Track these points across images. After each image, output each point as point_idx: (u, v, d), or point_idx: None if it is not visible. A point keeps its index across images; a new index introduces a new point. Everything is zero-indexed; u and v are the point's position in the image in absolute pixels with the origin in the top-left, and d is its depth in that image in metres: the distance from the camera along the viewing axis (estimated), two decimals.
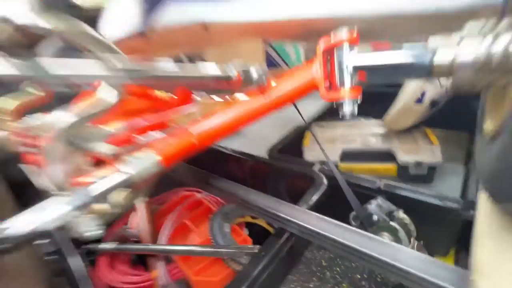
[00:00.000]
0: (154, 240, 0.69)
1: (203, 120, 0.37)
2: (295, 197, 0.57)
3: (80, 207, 0.26)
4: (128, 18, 0.51)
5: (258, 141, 0.90)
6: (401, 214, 0.43)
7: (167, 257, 0.65)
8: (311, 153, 0.78)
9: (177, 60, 0.69)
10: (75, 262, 0.53)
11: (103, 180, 0.27)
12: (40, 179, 0.31)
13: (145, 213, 0.72)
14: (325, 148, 0.67)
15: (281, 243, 0.47)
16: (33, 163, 0.37)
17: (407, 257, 0.35)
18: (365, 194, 0.54)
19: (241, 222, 0.73)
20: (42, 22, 0.23)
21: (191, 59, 0.68)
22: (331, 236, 0.40)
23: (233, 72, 0.32)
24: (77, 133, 0.29)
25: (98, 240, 0.73)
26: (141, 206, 0.70)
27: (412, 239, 0.41)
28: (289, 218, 0.46)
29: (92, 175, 0.28)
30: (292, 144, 0.81)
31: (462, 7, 0.31)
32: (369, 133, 0.82)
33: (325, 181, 0.59)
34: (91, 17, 0.54)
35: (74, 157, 0.29)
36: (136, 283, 0.67)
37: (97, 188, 0.26)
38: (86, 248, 0.70)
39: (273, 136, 0.87)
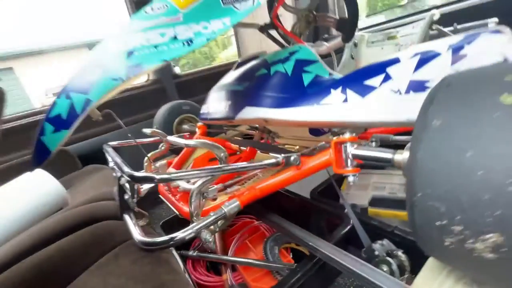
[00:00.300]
0: (224, 253, 0.96)
1: (263, 181, 0.64)
2: (329, 230, 0.77)
3: (203, 227, 0.54)
4: (221, 110, 0.84)
5: (305, 182, 1.13)
6: (399, 253, 0.59)
7: (233, 266, 0.92)
8: (345, 196, 0.97)
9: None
10: None
11: (214, 213, 0.55)
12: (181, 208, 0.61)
13: (218, 233, 1.01)
14: (358, 194, 0.86)
15: (311, 264, 0.68)
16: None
17: (392, 285, 0.52)
18: (382, 234, 0.71)
19: (287, 246, 0.95)
20: None
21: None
22: (345, 264, 0.60)
23: (279, 159, 0.59)
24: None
25: (187, 248, 1.04)
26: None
27: (406, 273, 0.57)
28: (317, 247, 0.67)
29: (208, 210, 0.57)
30: (330, 188, 1.01)
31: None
32: (396, 183, 0.96)
33: (351, 221, 0.78)
34: None
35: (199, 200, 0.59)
36: (210, 282, 0.94)
37: (211, 217, 0.54)
38: (179, 253, 1.01)
39: (317, 180, 1.09)
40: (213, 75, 1.57)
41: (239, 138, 1.10)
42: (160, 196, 0.85)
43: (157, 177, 0.48)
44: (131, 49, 0.57)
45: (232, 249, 0.97)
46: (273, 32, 1.01)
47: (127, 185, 0.58)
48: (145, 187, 0.70)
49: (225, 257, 0.92)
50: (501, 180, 0.26)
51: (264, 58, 0.81)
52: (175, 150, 1.10)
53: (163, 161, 0.95)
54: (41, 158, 0.58)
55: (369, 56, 1.56)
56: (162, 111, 1.35)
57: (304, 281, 0.66)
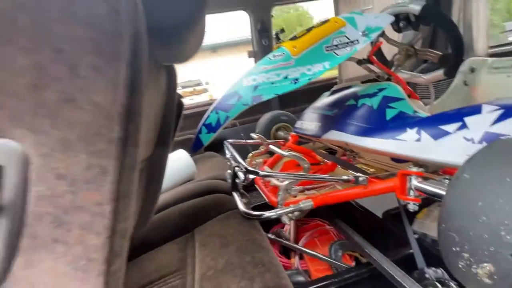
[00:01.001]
0: (295, 243, 1.18)
1: (336, 191, 0.82)
2: (391, 249, 0.86)
3: (284, 213, 0.77)
4: (312, 128, 1.04)
5: (380, 201, 1.20)
6: (451, 283, 0.64)
7: (301, 255, 1.12)
8: (418, 224, 1.00)
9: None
10: None
11: (293, 206, 0.77)
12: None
13: (294, 225, 1.23)
14: (433, 226, 0.91)
15: (366, 269, 0.81)
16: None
17: None
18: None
19: (351, 254, 1.08)
20: None
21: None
22: (395, 277, 0.71)
23: (350, 177, 0.75)
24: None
25: (267, 231, 1.31)
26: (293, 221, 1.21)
27: None
28: (374, 257, 0.79)
29: (289, 202, 0.80)
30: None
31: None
32: None
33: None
34: None
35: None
36: (280, 261, 1.18)
37: (291, 208, 0.76)
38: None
39: (394, 203, 1.14)
40: (313, 89, 1.78)
41: (324, 152, 1.27)
42: (255, 185, 1.14)
43: (261, 172, 0.74)
44: (256, 84, 0.86)
45: (303, 242, 1.17)
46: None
47: (240, 173, 0.88)
48: (250, 177, 0.99)
49: (296, 246, 1.13)
50: (495, 226, 0.37)
51: (355, 91, 0.96)
52: (270, 151, 1.38)
53: (260, 159, 1.25)
54: (196, 148, 0.94)
55: (489, 84, 1.41)
56: (264, 118, 1.67)
57: (356, 281, 0.80)
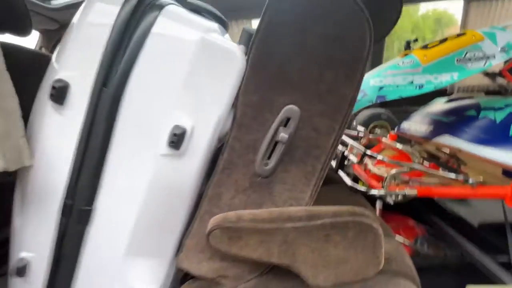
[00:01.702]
0: None
1: (439, 186, 0.93)
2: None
3: (389, 194, 0.94)
4: (422, 130, 1.15)
5: (478, 213, 1.23)
6: None
7: None
8: None
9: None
10: None
11: (400, 191, 0.93)
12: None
13: (378, 213, 1.37)
14: None
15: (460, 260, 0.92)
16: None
17: None
18: None
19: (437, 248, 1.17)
20: None
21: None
22: (492, 270, 0.80)
23: (461, 177, 0.85)
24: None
25: None
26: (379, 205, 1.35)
27: None
28: (469, 251, 0.88)
29: (393, 187, 0.96)
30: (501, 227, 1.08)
31: None
32: None
33: None
34: None
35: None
36: None
37: (397, 192, 0.92)
38: None
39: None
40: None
41: (425, 156, 1.35)
42: (353, 170, 1.32)
43: (379, 157, 0.93)
44: (382, 85, 1.02)
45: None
46: None
47: (351, 156, 1.07)
48: (354, 160, 1.17)
49: None
50: None
51: (477, 102, 1.02)
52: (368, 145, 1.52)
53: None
54: None
55: None
56: (365, 113, 1.79)
57: (443, 266, 0.92)
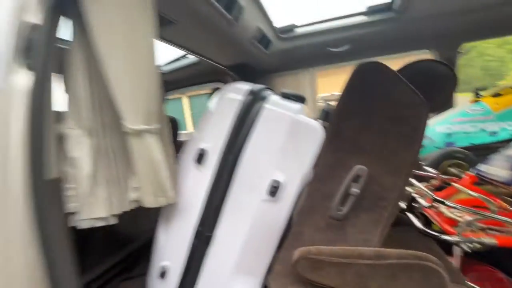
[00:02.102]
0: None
1: None
2: None
3: (464, 242, 0.95)
4: (502, 175, 1.11)
5: None
6: None
7: None
8: None
9: None
10: None
11: (477, 239, 0.93)
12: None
13: (460, 261, 1.29)
14: None
15: None
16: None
17: None
18: None
19: None
20: None
21: None
22: None
23: None
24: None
25: None
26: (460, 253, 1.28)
27: None
28: None
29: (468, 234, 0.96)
30: None
31: None
32: None
33: None
34: None
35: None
36: None
37: (472, 239, 0.92)
38: None
39: None
40: None
41: (510, 199, 1.25)
42: (424, 212, 1.31)
43: (447, 203, 0.96)
44: (451, 132, 1.06)
45: (471, 276, 1.23)
46: None
47: (420, 199, 1.11)
48: (434, 205, 1.18)
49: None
50: None
51: None
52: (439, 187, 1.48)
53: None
54: None
55: None
56: (437, 152, 1.74)
57: None
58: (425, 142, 1.19)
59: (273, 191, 0.71)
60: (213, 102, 0.84)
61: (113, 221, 0.76)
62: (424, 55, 2.08)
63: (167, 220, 0.87)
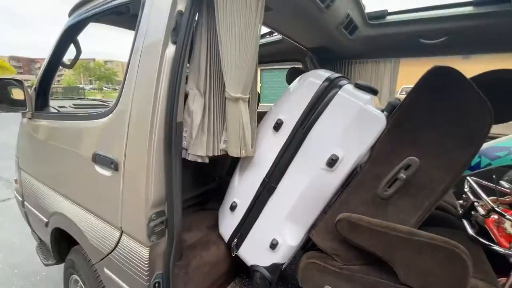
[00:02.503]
0: None
1: None
2: None
3: None
4: None
5: None
6: None
7: None
8: None
9: None
10: None
11: None
12: None
13: None
14: None
15: None
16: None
17: None
18: None
19: None
20: None
21: None
22: None
23: None
24: None
25: None
26: None
27: None
28: None
29: None
30: None
31: None
32: None
33: None
34: None
35: None
36: None
37: None
38: None
39: None
40: None
41: None
42: (484, 225, 1.27)
43: (508, 216, 0.95)
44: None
45: None
46: None
47: (479, 209, 1.10)
48: (492, 216, 1.16)
49: None
50: None
51: None
52: None
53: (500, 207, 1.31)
54: None
55: None
56: None
57: None
58: (502, 153, 1.13)
59: (331, 163, 0.87)
60: (293, 84, 1.01)
61: (206, 160, 1.05)
62: None
63: (243, 169, 1.13)
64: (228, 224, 1.16)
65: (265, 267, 1.03)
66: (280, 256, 1.01)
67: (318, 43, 1.99)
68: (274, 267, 1.02)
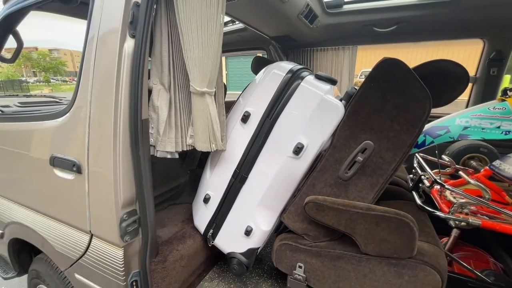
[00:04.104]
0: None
1: (506, 225, 1.04)
2: None
3: (452, 219, 1.11)
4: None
5: None
6: None
7: (450, 262, 1.38)
8: None
9: None
10: None
11: (463, 219, 1.09)
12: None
13: (453, 239, 1.46)
14: None
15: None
16: None
17: None
18: None
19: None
20: None
21: None
22: None
23: None
24: None
25: None
26: (455, 233, 1.45)
27: None
28: None
29: (458, 214, 1.12)
30: None
31: None
32: None
33: None
34: None
35: None
36: None
37: (460, 218, 1.09)
38: None
39: None
40: None
41: None
42: (430, 195, 1.46)
43: (446, 186, 1.11)
44: (468, 125, 1.16)
45: (457, 255, 1.41)
46: None
47: (425, 180, 1.26)
48: (435, 186, 1.33)
49: (451, 254, 1.40)
50: None
51: None
52: (454, 174, 1.59)
53: (442, 178, 1.51)
54: None
55: None
56: (460, 144, 1.80)
57: None
58: (441, 132, 1.30)
59: (297, 151, 0.93)
60: (259, 76, 1.04)
61: (176, 156, 1.04)
62: (473, 45, 2.00)
63: (214, 161, 1.15)
64: (202, 216, 1.19)
65: (241, 253, 1.09)
66: (255, 241, 1.07)
67: (281, 32, 2.02)
68: (249, 252, 1.08)
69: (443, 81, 0.90)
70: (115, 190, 0.84)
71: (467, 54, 11.00)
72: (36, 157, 1.04)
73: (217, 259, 1.39)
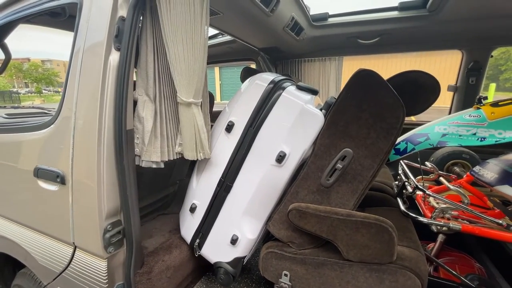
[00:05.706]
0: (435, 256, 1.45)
1: (486, 229, 1.07)
2: None
3: (434, 224, 1.14)
4: (488, 176, 1.25)
5: None
6: None
7: (436, 267, 1.39)
8: None
9: None
10: None
11: (444, 223, 1.12)
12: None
13: (439, 244, 1.48)
14: None
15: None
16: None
17: None
18: None
19: None
20: None
21: None
22: None
23: (503, 223, 0.98)
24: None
25: None
26: (440, 239, 1.47)
27: None
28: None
29: (440, 219, 1.15)
30: None
31: None
32: None
33: None
34: None
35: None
36: None
37: (442, 223, 1.11)
38: None
39: None
40: None
41: (498, 201, 1.39)
42: (415, 201, 1.49)
43: (427, 192, 1.14)
44: (446, 133, 1.21)
45: (442, 260, 1.43)
46: None
47: (408, 187, 1.29)
48: (418, 192, 1.37)
49: (436, 259, 1.42)
50: None
51: None
52: (437, 180, 1.63)
53: (426, 184, 1.55)
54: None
55: None
56: (444, 150, 1.85)
57: None
58: (422, 139, 1.34)
59: (280, 159, 0.95)
60: (243, 86, 1.07)
61: (161, 166, 1.05)
62: (454, 55, 2.08)
63: (200, 170, 1.16)
64: (189, 225, 1.19)
65: (227, 262, 1.09)
66: (241, 250, 1.07)
67: (268, 43, 2.08)
68: (236, 261, 1.08)
69: (416, 91, 0.94)
70: (99, 201, 0.84)
71: (448, 64, 11.39)
72: (20, 169, 1.03)
73: (206, 270, 1.38)
